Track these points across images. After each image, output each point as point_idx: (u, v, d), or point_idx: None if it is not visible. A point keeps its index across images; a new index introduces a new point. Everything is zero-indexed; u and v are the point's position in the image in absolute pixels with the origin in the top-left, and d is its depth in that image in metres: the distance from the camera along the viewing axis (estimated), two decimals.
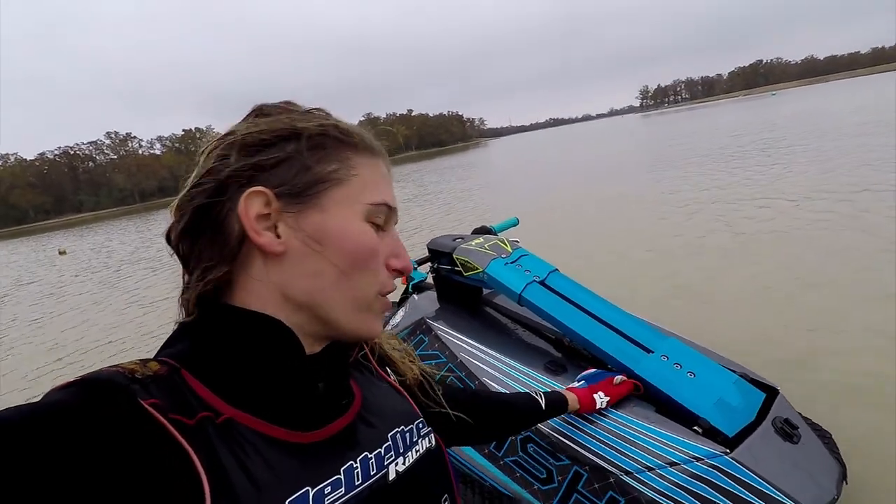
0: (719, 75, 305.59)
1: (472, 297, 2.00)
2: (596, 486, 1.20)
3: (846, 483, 1.18)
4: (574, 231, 6.00)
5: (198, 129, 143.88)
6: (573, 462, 1.24)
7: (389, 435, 0.53)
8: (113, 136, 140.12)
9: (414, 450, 0.54)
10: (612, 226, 5.88)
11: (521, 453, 1.36)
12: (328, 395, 0.51)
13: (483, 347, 1.64)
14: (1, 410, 0.33)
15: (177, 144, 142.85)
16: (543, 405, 1.04)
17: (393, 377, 0.65)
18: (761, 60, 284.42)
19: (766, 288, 3.21)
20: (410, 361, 0.68)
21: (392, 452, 0.52)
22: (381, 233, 0.52)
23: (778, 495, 1.06)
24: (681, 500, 1.10)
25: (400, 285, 2.18)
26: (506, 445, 1.40)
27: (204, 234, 0.48)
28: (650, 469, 1.15)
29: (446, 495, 0.56)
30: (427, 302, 2.06)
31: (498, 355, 1.59)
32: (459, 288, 1.95)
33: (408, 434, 0.55)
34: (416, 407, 0.61)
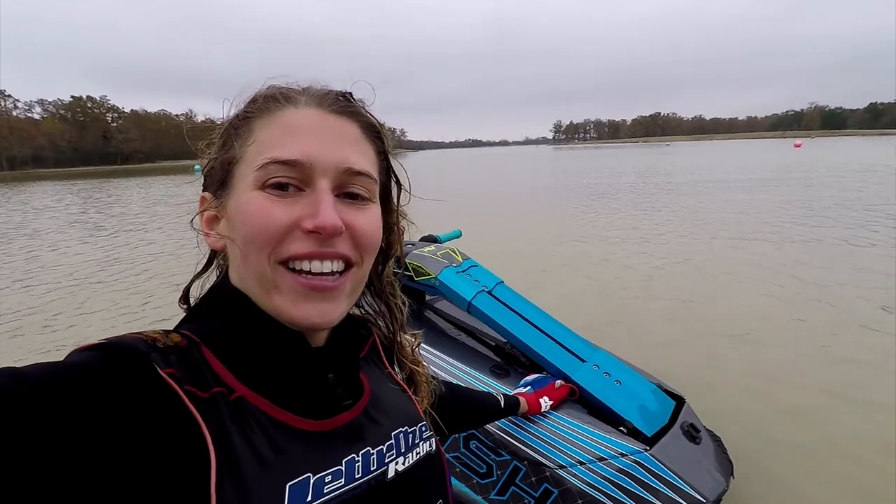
0: (624, 120, 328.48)
1: (417, 301, 2.07)
2: (533, 479, 1.32)
3: (733, 477, 1.40)
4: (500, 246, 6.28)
5: (90, 98, 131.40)
6: (513, 457, 1.35)
7: (393, 434, 0.52)
8: None
9: (415, 451, 0.53)
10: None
11: (462, 449, 1.46)
12: (337, 386, 0.51)
13: (431, 349, 1.71)
14: (24, 367, 0.34)
15: (62, 111, 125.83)
16: (503, 404, 1.13)
17: (401, 377, 0.64)
18: (659, 113, 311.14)
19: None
20: (426, 389, 0.66)
21: (394, 451, 0.51)
22: (302, 194, 0.45)
23: (685, 487, 1.24)
24: (607, 491, 1.24)
25: None
26: (448, 442, 1.48)
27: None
28: (581, 463, 1.29)
29: (441, 501, 0.55)
30: None
31: (446, 357, 1.67)
32: (404, 290, 1.99)
33: (411, 435, 0.54)
34: (420, 411, 0.61)
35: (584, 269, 4.90)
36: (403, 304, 0.66)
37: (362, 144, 0.49)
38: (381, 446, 0.50)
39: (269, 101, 0.47)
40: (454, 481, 1.44)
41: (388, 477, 0.49)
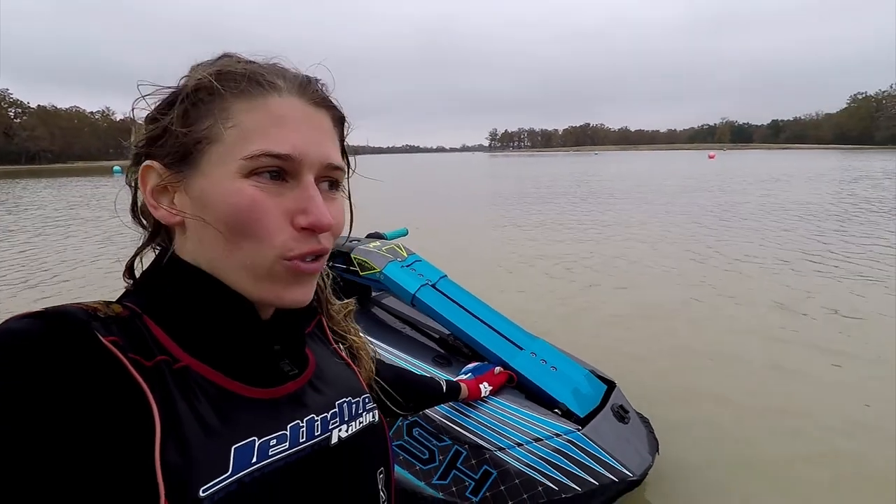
0: (556, 130, 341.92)
1: (362, 297, 2.10)
2: (473, 461, 1.36)
3: (658, 454, 1.53)
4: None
5: None
6: (454, 442, 1.39)
7: (337, 403, 0.54)
8: None
9: (357, 421, 0.55)
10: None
11: (406, 437, 1.48)
12: (283, 357, 0.52)
13: (375, 341, 1.74)
14: None
15: None
16: (444, 389, 1.17)
17: (345, 353, 0.65)
18: (589, 124, 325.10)
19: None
20: (369, 363, 0.68)
21: (337, 419, 0.52)
22: (287, 186, 0.45)
23: (614, 463, 1.34)
24: (542, 469, 1.31)
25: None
26: (392, 430, 1.50)
27: (139, 207, 0.52)
28: (519, 445, 1.35)
29: (382, 468, 0.57)
30: None
31: (390, 349, 1.71)
32: (350, 287, 2.03)
33: (354, 405, 0.56)
34: (364, 384, 0.63)
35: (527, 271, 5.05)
36: (327, 275, 0.67)
37: (334, 137, 0.50)
38: (325, 414, 0.51)
39: (251, 84, 0.44)
40: (398, 469, 1.46)
41: (332, 443, 0.51)
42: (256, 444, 0.43)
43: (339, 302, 0.69)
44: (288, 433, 0.47)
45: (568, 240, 6.60)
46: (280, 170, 0.44)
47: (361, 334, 0.70)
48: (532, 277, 4.76)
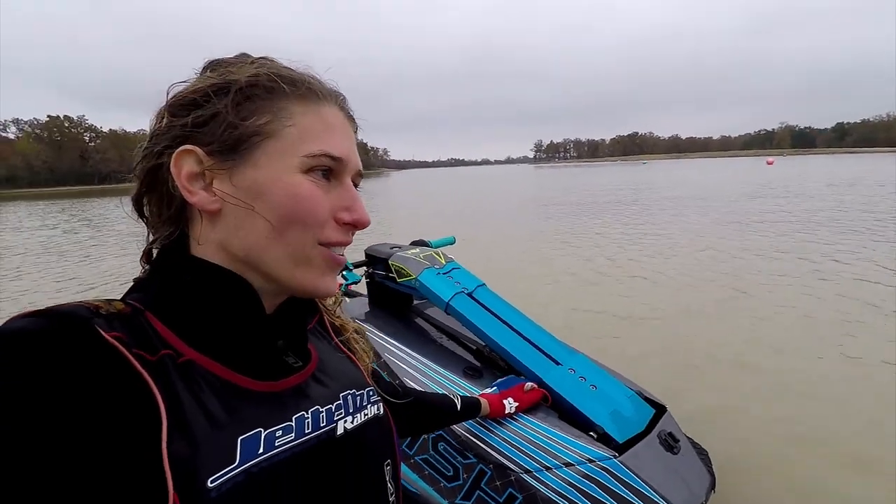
0: (602, 140, 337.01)
1: (402, 305, 2.06)
2: (498, 483, 1.27)
3: (714, 492, 1.34)
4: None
5: (67, 118, 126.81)
6: (479, 460, 1.31)
7: (341, 395, 0.54)
8: None
9: (362, 412, 0.56)
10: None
11: (431, 451, 1.41)
12: (286, 352, 0.52)
13: (407, 350, 1.70)
14: None
15: (38, 131, 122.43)
16: (459, 407, 1.10)
17: (346, 348, 0.66)
18: (637, 132, 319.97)
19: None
20: (366, 356, 0.68)
21: (342, 411, 0.53)
22: (331, 185, 0.49)
23: (655, 497, 1.19)
24: (572, 497, 1.19)
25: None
26: (418, 443, 1.44)
27: (154, 196, 0.50)
28: (548, 468, 1.24)
29: (389, 461, 0.57)
30: (357, 306, 2.11)
31: (420, 358, 1.65)
32: (391, 295, 2.01)
33: (359, 397, 0.56)
34: (367, 377, 0.63)
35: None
36: None
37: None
38: (330, 405, 0.52)
39: (307, 90, 0.49)
40: (423, 484, 1.40)
41: (338, 434, 0.51)
42: (263, 435, 0.44)
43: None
44: (294, 424, 0.47)
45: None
46: (329, 170, 0.48)
47: (356, 326, 0.70)
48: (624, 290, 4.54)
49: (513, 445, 1.29)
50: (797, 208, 9.27)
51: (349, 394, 0.55)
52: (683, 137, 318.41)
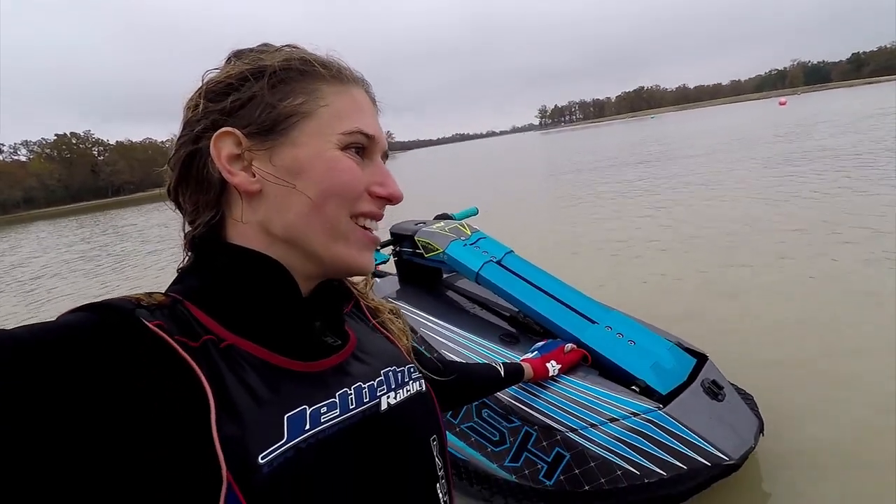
0: (608, 98, 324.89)
1: (432, 279, 2.07)
2: (544, 443, 1.29)
3: (763, 435, 1.34)
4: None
5: (73, 134, 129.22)
6: (524, 423, 1.32)
7: (382, 371, 0.55)
8: None
9: (405, 388, 0.56)
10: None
11: (476, 419, 1.43)
12: (325, 332, 0.53)
13: (442, 322, 1.72)
14: (13, 329, 0.34)
15: (48, 150, 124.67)
16: (503, 374, 1.11)
17: (386, 329, 0.67)
18: (643, 87, 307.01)
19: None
20: (404, 335, 0.69)
21: (384, 387, 0.53)
22: (365, 162, 0.51)
23: (704, 444, 1.19)
24: (620, 452, 1.21)
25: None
26: (462, 413, 1.47)
27: (191, 184, 0.50)
28: (593, 425, 1.25)
29: (435, 436, 0.57)
30: (388, 285, 2.13)
31: (456, 329, 1.67)
32: (420, 270, 2.02)
33: (400, 374, 0.57)
34: (408, 357, 0.63)
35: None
36: None
37: None
38: (372, 382, 0.52)
39: (339, 73, 0.51)
40: (471, 451, 1.42)
41: (382, 409, 0.51)
42: (308, 412, 0.44)
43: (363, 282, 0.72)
44: (338, 401, 0.47)
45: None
46: (362, 148, 0.50)
47: (391, 306, 0.71)
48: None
49: (556, 406, 1.30)
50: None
51: (390, 370, 0.56)
52: (692, 87, 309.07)
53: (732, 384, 1.53)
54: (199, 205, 0.50)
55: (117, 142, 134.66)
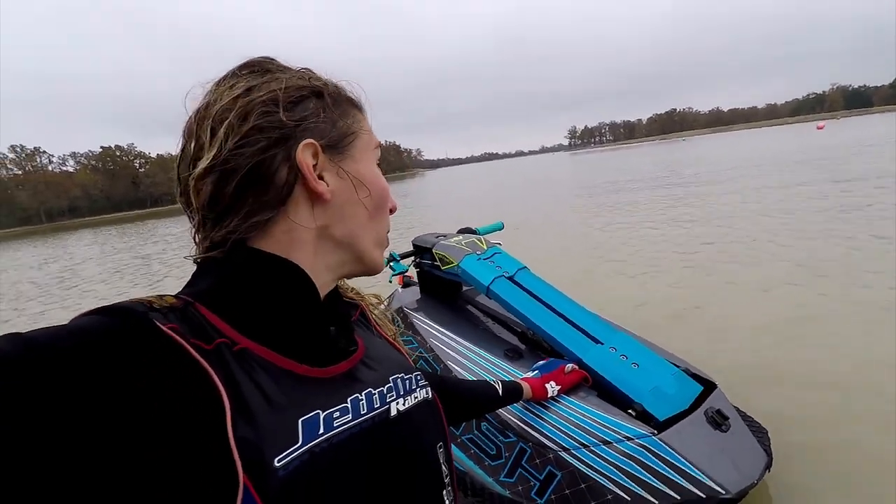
0: (639, 120, 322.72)
1: (451, 292, 2.11)
2: (538, 461, 1.30)
3: (769, 471, 1.28)
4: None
5: (118, 147, 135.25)
6: (519, 439, 1.34)
7: (391, 378, 0.56)
8: (18, 149, 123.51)
9: (413, 395, 0.57)
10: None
11: (475, 431, 1.46)
12: (338, 338, 0.55)
13: (452, 335, 1.76)
14: (29, 331, 0.35)
15: (93, 162, 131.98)
16: (501, 392, 1.12)
17: (391, 337, 0.69)
18: (675, 109, 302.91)
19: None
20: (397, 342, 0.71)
21: (394, 393, 0.55)
22: None
23: (699, 475, 1.16)
24: (611, 475, 1.20)
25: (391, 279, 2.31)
26: (463, 424, 1.50)
27: (250, 188, 0.48)
28: (585, 446, 1.25)
29: (441, 443, 0.59)
30: (409, 295, 2.19)
31: (464, 342, 1.70)
32: (440, 283, 2.07)
33: (408, 381, 0.58)
34: (412, 364, 0.65)
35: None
36: None
37: None
38: (382, 388, 0.54)
39: (363, 103, 0.59)
40: (470, 463, 1.44)
41: (392, 415, 0.53)
42: (321, 417, 0.45)
43: (375, 297, 0.75)
44: (349, 406, 0.49)
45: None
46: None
47: (396, 329, 0.74)
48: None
49: (551, 424, 1.31)
50: None
51: (398, 377, 0.57)
52: (725, 110, 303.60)
53: (748, 416, 1.49)
54: (262, 206, 0.48)
55: (158, 155, 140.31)
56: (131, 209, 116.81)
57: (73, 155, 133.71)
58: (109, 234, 25.24)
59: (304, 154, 0.49)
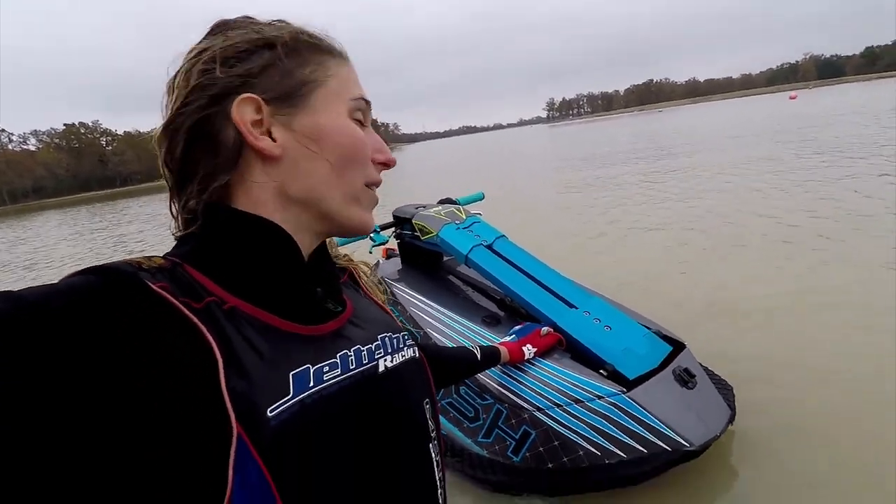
0: (617, 91, 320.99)
1: (432, 262, 2.14)
2: (513, 421, 1.35)
3: (732, 424, 1.36)
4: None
5: (82, 124, 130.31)
6: (496, 401, 1.39)
7: (379, 336, 0.57)
8: None
9: (400, 353, 0.58)
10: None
11: (454, 395, 1.51)
12: (326, 299, 0.55)
13: (432, 303, 1.79)
14: (20, 290, 0.35)
15: (57, 140, 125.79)
16: (479, 357, 1.15)
17: (378, 300, 0.69)
18: (652, 80, 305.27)
19: None
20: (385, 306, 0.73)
21: (382, 350, 0.56)
22: (364, 129, 0.54)
23: (665, 429, 1.23)
24: (582, 432, 1.26)
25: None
26: (442, 389, 1.53)
27: (199, 149, 0.48)
28: (558, 405, 1.31)
29: (427, 400, 0.60)
30: (391, 266, 2.22)
31: (443, 310, 1.74)
32: (421, 253, 2.09)
33: (395, 340, 0.59)
34: (400, 325, 0.66)
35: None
36: None
37: None
38: (370, 345, 0.55)
39: (335, 48, 0.54)
40: (449, 426, 1.50)
41: (380, 370, 0.54)
42: (311, 371, 0.46)
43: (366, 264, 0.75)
44: (338, 361, 0.49)
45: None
46: (363, 116, 0.54)
47: (385, 297, 0.74)
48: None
49: (526, 386, 1.36)
50: None
51: (386, 336, 0.58)
52: (702, 80, 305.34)
53: (715, 374, 1.57)
54: (215, 169, 0.48)
55: (125, 132, 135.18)
56: (101, 188, 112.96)
57: (35, 133, 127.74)
58: (77, 214, 24.39)
59: (241, 110, 0.47)
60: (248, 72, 0.48)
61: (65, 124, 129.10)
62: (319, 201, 0.52)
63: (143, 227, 12.90)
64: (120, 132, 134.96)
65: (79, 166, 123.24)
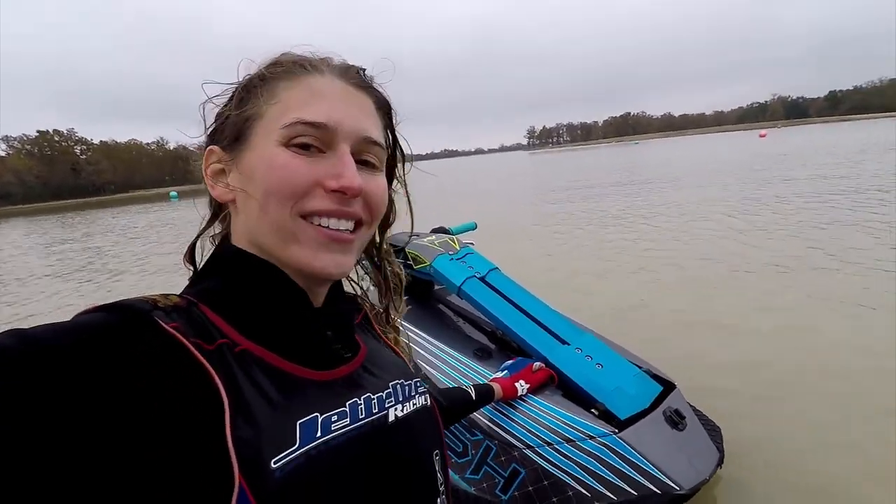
0: (595, 122, 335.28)
1: (423, 291, 2.11)
2: (502, 458, 1.32)
3: (720, 467, 1.36)
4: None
5: (56, 132, 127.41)
6: (485, 437, 1.36)
7: (391, 384, 0.55)
8: None
9: (412, 402, 0.56)
10: None
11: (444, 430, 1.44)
12: (336, 343, 0.54)
13: (422, 334, 1.76)
14: (30, 328, 0.35)
15: (28, 147, 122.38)
16: (474, 397, 1.13)
17: (394, 343, 0.68)
18: (629, 113, 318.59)
19: None
20: (407, 353, 0.71)
21: (392, 399, 0.54)
22: (319, 155, 0.47)
23: (656, 472, 1.21)
24: (573, 472, 1.24)
25: None
26: None
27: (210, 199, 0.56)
28: (549, 444, 1.29)
29: (437, 451, 0.58)
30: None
31: (434, 341, 1.71)
32: (413, 282, 2.06)
33: (407, 387, 0.57)
34: (412, 370, 0.64)
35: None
36: (400, 269, 0.70)
37: (376, 118, 0.53)
38: (381, 393, 0.53)
39: (294, 66, 0.49)
40: None
41: (390, 420, 0.52)
42: (319, 420, 0.44)
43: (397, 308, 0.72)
44: (348, 410, 0.48)
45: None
46: (317, 140, 0.47)
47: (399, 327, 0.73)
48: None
49: (517, 423, 1.34)
50: None
51: (398, 383, 0.56)
52: (676, 115, 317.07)
53: (703, 415, 1.57)
54: (215, 209, 0.57)
55: (101, 141, 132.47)
56: (72, 197, 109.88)
57: (6, 139, 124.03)
58: (46, 223, 23.58)
59: (206, 160, 0.51)
60: (218, 120, 0.51)
61: (38, 131, 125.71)
62: (261, 244, 0.48)
63: (118, 240, 12.48)
64: (95, 141, 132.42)
65: (51, 174, 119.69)
